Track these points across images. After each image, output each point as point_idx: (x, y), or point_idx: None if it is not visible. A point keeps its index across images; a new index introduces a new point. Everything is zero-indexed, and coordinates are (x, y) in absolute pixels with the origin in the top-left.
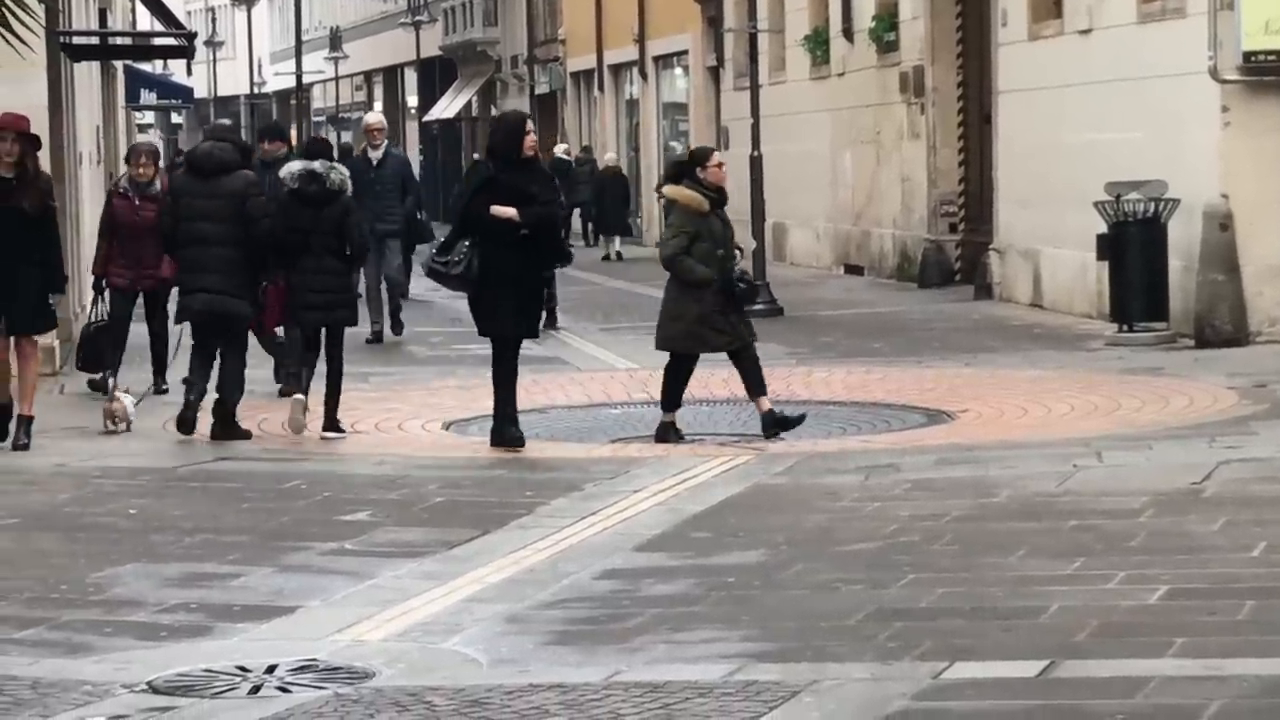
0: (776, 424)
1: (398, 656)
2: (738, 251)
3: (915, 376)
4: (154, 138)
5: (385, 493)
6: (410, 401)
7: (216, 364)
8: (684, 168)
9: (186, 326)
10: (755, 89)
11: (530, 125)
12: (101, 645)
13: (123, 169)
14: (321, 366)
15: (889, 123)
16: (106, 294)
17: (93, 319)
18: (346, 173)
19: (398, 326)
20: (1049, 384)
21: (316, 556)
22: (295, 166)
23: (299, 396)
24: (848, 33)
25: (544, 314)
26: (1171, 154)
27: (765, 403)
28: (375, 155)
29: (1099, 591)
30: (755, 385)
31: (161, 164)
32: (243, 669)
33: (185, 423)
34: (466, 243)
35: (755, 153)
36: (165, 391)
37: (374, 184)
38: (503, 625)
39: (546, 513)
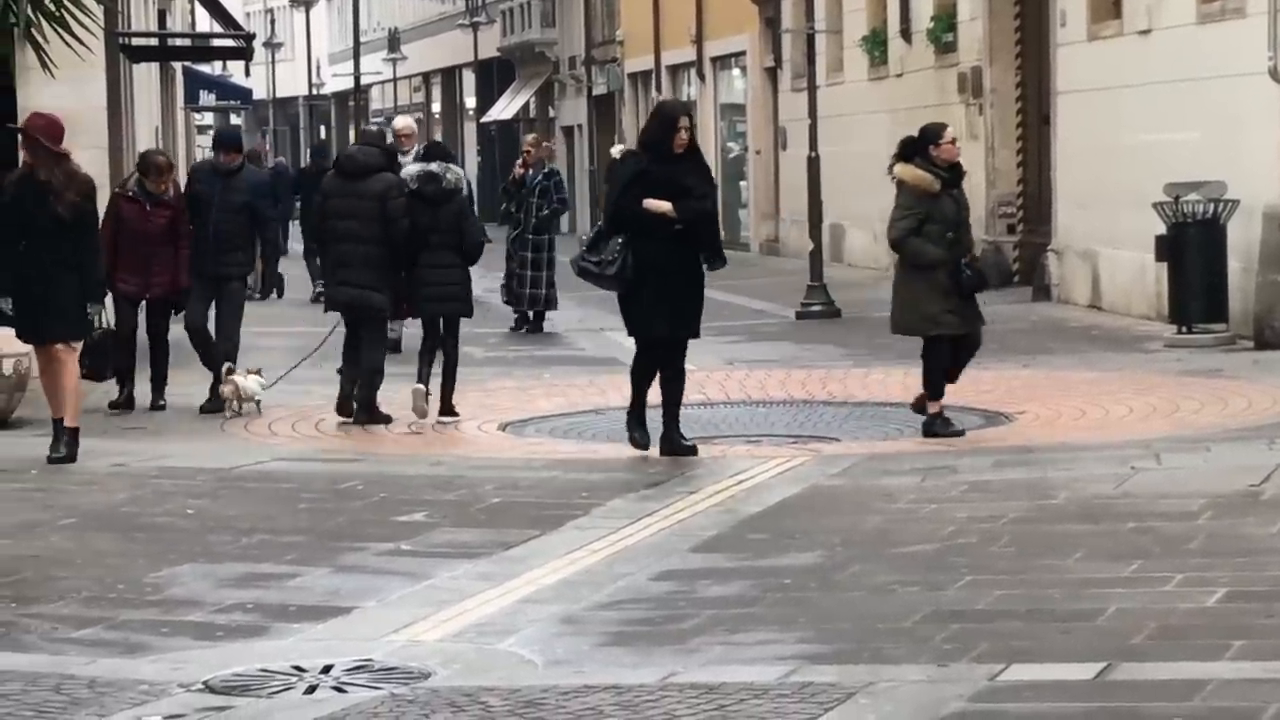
0: (933, 431)
1: (453, 657)
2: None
3: (973, 378)
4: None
5: (441, 493)
6: (467, 402)
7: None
8: (914, 145)
9: (336, 329)
10: (813, 90)
11: (685, 119)
12: (158, 645)
13: (128, 170)
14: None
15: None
16: (110, 301)
17: (99, 326)
18: (462, 173)
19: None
20: (1107, 386)
21: (373, 557)
22: (415, 168)
23: (419, 386)
24: (906, 33)
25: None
26: (1231, 155)
27: (936, 406)
28: (404, 160)
29: (1157, 594)
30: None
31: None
32: (299, 669)
33: (366, 413)
34: (620, 240)
35: (813, 154)
36: (163, 408)
37: None
38: (558, 626)
39: (603, 514)
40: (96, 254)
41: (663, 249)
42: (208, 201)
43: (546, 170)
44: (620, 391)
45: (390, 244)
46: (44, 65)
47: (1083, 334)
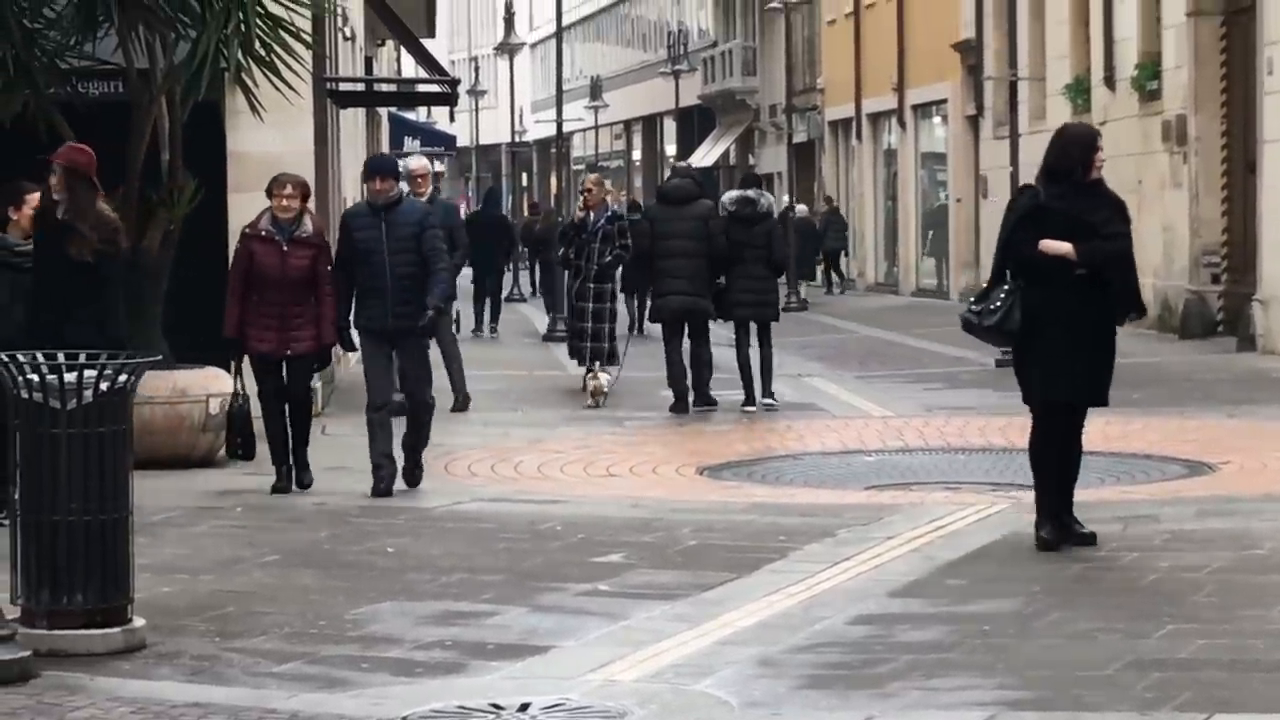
0: None
1: (650, 697)
2: None
3: (1176, 427)
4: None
5: (639, 535)
6: (666, 446)
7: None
8: None
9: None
10: (1015, 137)
11: (1100, 141)
12: (358, 680)
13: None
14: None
15: (1151, 172)
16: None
17: (237, 393)
18: (773, 199)
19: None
20: None
21: (570, 597)
22: (734, 194)
23: (750, 408)
24: (1109, 81)
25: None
26: None
27: None
28: (418, 202)
29: None
30: None
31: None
32: (496, 706)
33: (682, 405)
34: (1006, 286)
35: None
36: (308, 485)
37: None
38: (755, 668)
39: (799, 557)
40: (107, 303)
41: (1064, 297)
42: (373, 248)
43: (610, 213)
44: (819, 437)
45: (710, 258)
46: (253, 109)
47: None
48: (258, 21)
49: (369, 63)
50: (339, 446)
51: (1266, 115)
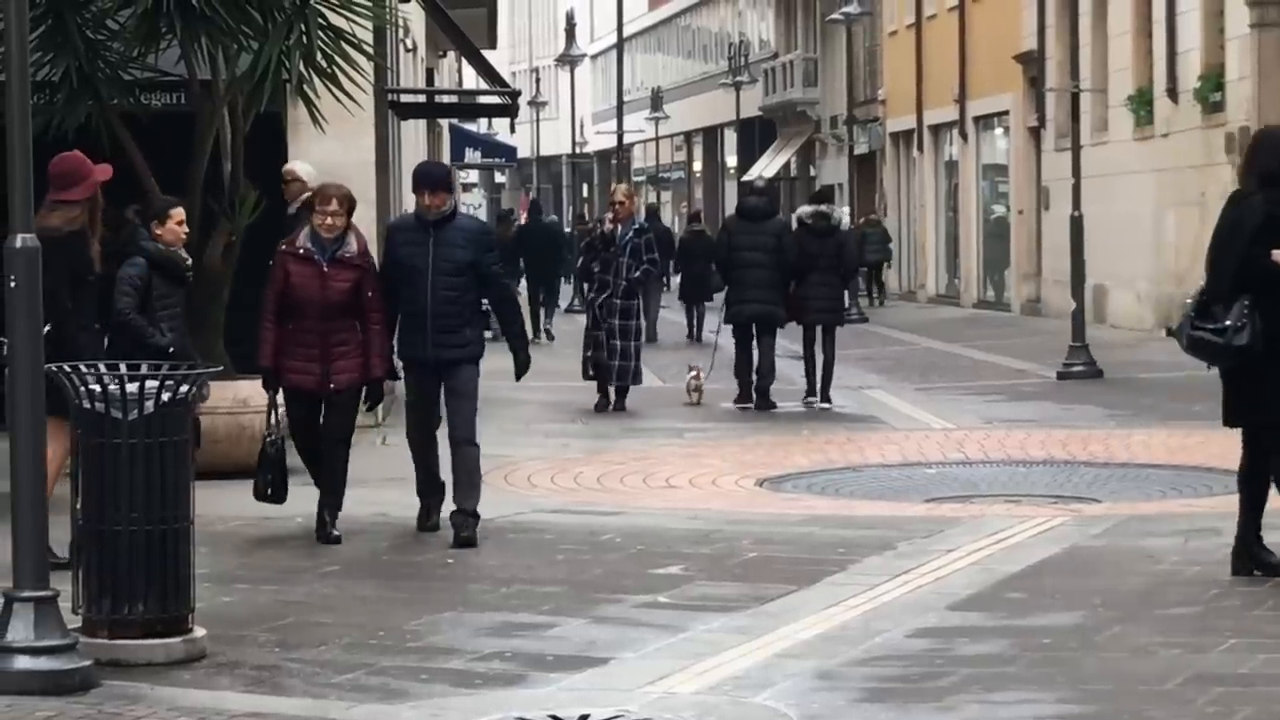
0: None
1: (709, 710)
2: None
3: (1238, 440)
4: (478, 196)
5: (698, 547)
6: (725, 457)
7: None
8: None
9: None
10: (1076, 149)
11: None
12: (417, 691)
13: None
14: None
15: (1214, 184)
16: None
17: (271, 432)
18: (844, 213)
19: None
20: None
21: (630, 608)
22: (808, 208)
23: (813, 399)
24: (1172, 93)
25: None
26: None
27: None
28: (293, 209)
29: None
30: None
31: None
32: (555, 718)
33: (745, 396)
34: (1246, 301)
35: (1076, 213)
36: (337, 540)
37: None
38: (814, 681)
39: (859, 570)
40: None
41: None
42: (417, 267)
43: (637, 226)
44: (879, 449)
45: (783, 269)
46: (314, 120)
47: None
48: (319, 33)
49: (430, 74)
50: (399, 457)
51: None
